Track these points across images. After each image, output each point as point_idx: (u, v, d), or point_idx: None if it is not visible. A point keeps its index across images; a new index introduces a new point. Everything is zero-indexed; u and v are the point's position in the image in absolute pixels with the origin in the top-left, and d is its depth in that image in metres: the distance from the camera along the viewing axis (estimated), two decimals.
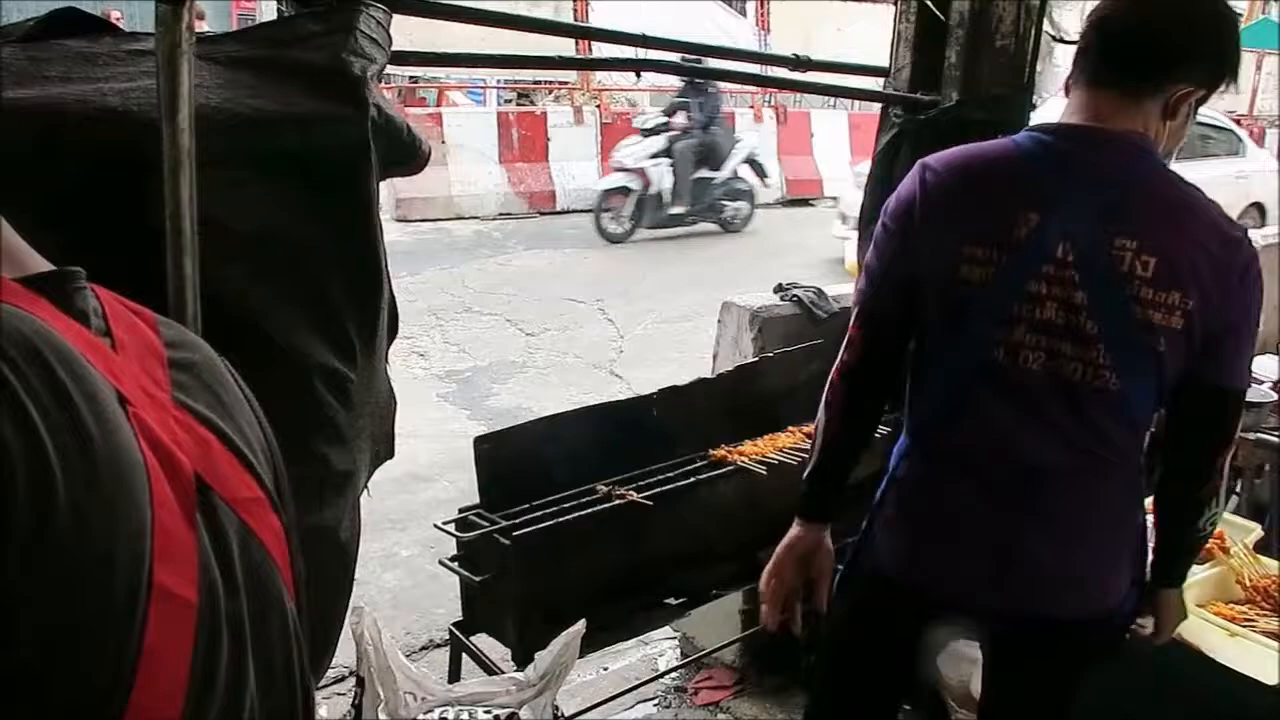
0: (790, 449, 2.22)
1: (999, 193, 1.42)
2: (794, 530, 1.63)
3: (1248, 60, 17.23)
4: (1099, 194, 1.36)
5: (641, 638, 2.98)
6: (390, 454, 1.66)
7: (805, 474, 1.65)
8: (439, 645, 3.01)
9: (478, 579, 1.80)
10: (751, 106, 12.31)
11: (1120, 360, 1.37)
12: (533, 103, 12.49)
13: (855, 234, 2.81)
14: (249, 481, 0.64)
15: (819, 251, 8.85)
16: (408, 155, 1.57)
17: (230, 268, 1.33)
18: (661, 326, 6.54)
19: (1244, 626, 2.10)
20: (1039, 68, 2.48)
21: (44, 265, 0.60)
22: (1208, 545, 2.04)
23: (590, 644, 1.83)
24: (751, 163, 10.08)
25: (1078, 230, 1.36)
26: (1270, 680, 1.97)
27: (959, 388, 1.47)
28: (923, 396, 1.53)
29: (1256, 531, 2.40)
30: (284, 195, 1.37)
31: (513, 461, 1.92)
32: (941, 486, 1.54)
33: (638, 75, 2.10)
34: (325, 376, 1.44)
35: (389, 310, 1.59)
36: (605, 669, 2.98)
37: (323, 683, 2.38)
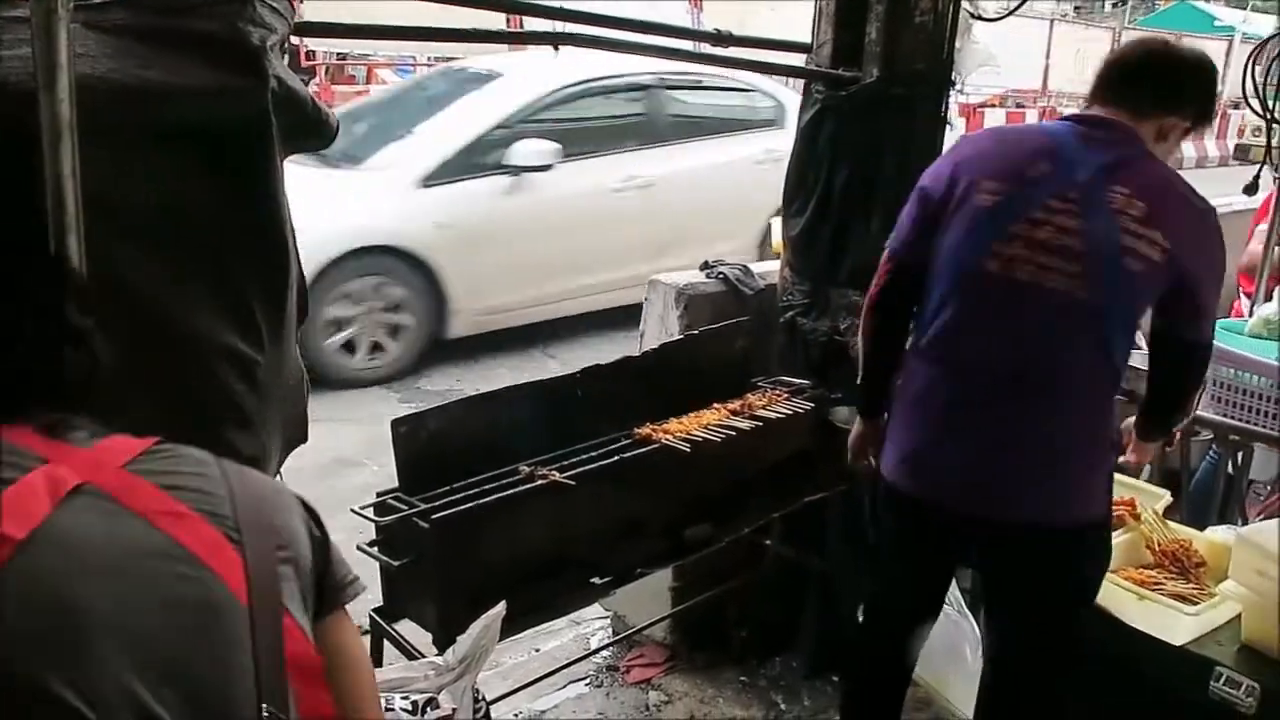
0: (715, 426, 2.22)
1: (1018, 148, 1.81)
2: (859, 426, 2.13)
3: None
4: (1101, 158, 1.74)
5: (573, 617, 2.98)
6: (303, 438, 1.62)
7: (858, 384, 2.10)
8: (366, 632, 2.96)
9: (396, 563, 1.77)
10: None
11: (1096, 275, 1.69)
12: None
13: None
14: (173, 504, 0.85)
15: None
16: (314, 130, 1.52)
17: (123, 247, 1.28)
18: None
19: (1152, 590, 2.16)
20: (958, 44, 2.50)
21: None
22: (1118, 514, 2.24)
23: (514, 626, 1.81)
24: None
25: (1082, 179, 1.72)
26: (1175, 641, 2.04)
27: (959, 295, 1.79)
28: (929, 310, 1.85)
29: (1166, 498, 2.47)
30: (180, 171, 1.32)
31: (432, 444, 1.89)
32: (935, 393, 1.85)
33: (555, 49, 2.07)
34: (230, 360, 1.39)
35: (298, 290, 1.55)
36: (537, 650, 2.97)
37: None
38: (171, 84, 1.28)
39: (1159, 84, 1.80)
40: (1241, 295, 3.49)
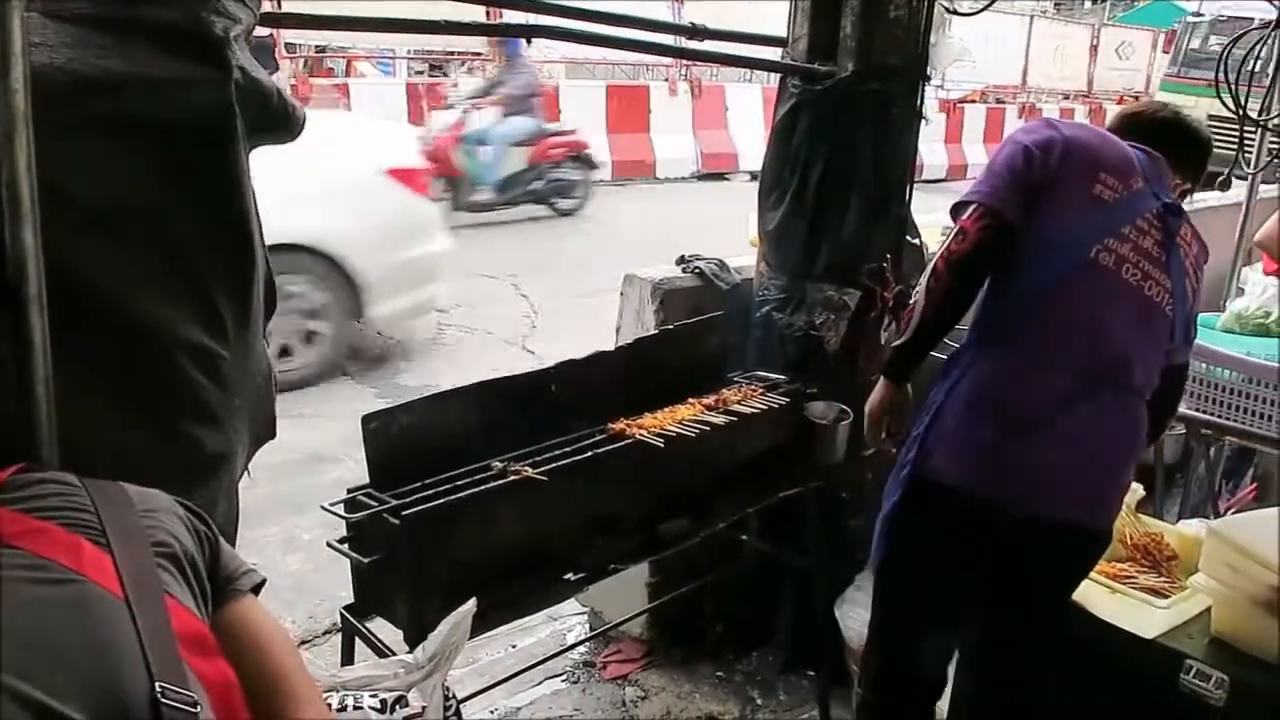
0: (690, 421, 2.21)
1: (1123, 156, 1.84)
2: (882, 390, 1.99)
3: (1145, 38, 17.86)
4: (1167, 193, 1.87)
5: (550, 613, 2.98)
6: (272, 434, 1.60)
7: (896, 345, 1.95)
8: (338, 630, 2.94)
9: (366, 560, 1.76)
10: (666, 80, 12.25)
11: (1176, 292, 1.82)
12: (446, 74, 12.23)
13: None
14: (29, 523, 0.88)
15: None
16: (280, 122, 1.50)
17: (83, 240, 1.26)
18: (579, 301, 6.49)
19: (1124, 583, 2.18)
20: (933, 39, 2.50)
21: None
22: None
23: (487, 622, 1.80)
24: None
25: (1163, 206, 1.83)
26: (1146, 634, 2.05)
27: (1061, 280, 1.77)
28: (1016, 296, 1.80)
29: (1139, 492, 2.49)
30: (141, 164, 1.30)
31: (403, 439, 1.87)
32: (1016, 387, 1.80)
33: (528, 42, 2.05)
34: (194, 354, 1.37)
35: (265, 284, 1.53)
36: (513, 646, 2.97)
37: None
38: (132, 74, 1.26)
39: (1176, 149, 1.95)
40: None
